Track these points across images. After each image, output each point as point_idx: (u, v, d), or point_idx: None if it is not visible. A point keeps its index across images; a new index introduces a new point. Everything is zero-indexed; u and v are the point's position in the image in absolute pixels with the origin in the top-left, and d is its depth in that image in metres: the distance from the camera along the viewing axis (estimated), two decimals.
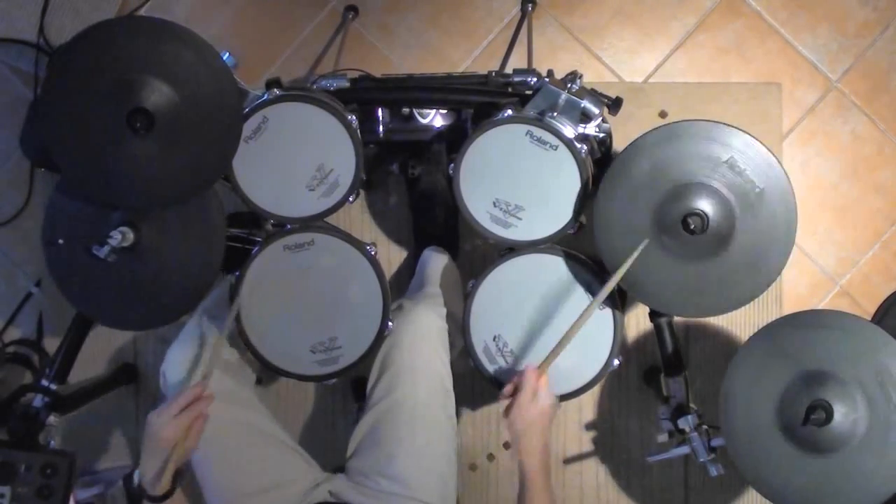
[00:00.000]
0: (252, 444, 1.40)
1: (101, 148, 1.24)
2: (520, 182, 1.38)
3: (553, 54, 1.95)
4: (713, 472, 1.40)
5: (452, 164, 1.39)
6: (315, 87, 1.51)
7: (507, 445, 1.93)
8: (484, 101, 1.52)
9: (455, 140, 1.63)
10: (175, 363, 1.41)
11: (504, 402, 1.26)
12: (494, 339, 1.43)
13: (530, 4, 1.91)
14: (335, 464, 1.49)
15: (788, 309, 1.90)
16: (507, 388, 1.27)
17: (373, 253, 1.41)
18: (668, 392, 1.47)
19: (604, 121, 1.43)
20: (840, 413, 1.25)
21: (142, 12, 1.98)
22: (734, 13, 1.93)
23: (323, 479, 1.42)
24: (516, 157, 1.37)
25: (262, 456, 1.40)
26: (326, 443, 1.87)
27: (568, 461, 1.92)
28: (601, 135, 1.42)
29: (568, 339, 1.26)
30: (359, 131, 1.38)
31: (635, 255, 1.27)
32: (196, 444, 1.21)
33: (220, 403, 1.32)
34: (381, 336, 1.42)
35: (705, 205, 1.28)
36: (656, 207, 1.31)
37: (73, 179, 1.31)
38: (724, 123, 1.30)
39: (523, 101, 1.43)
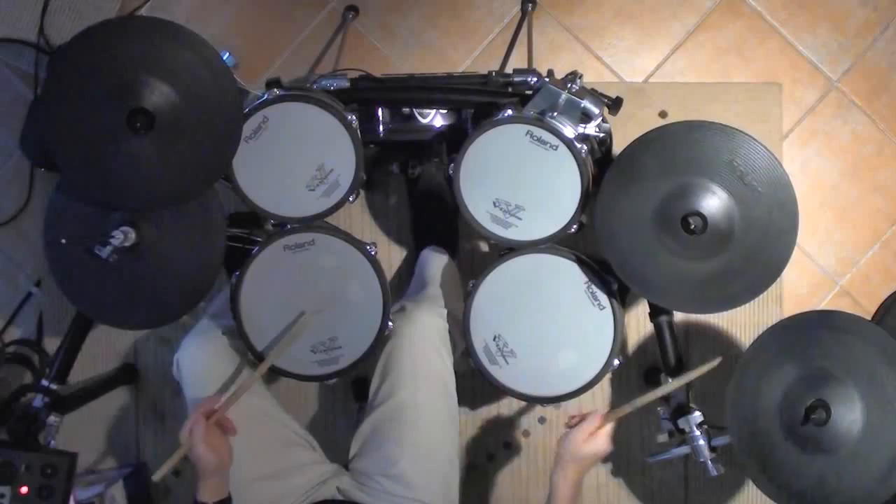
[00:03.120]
0: (259, 429, 1.41)
1: (101, 148, 1.24)
2: (520, 182, 1.38)
3: (553, 54, 1.95)
4: (713, 471, 1.40)
5: (452, 164, 1.39)
6: (315, 87, 1.51)
7: (507, 445, 1.93)
8: (484, 101, 1.52)
9: (455, 140, 1.63)
10: (190, 352, 1.41)
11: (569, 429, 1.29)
12: (495, 339, 1.43)
13: (530, 4, 1.91)
14: (336, 463, 1.49)
15: (788, 309, 1.90)
16: (573, 419, 1.30)
17: (373, 253, 1.41)
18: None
19: (604, 121, 1.43)
20: (840, 413, 1.25)
21: (142, 12, 1.98)
22: (734, 13, 1.93)
23: (330, 474, 1.42)
24: (516, 157, 1.37)
25: (270, 442, 1.41)
26: (327, 443, 1.86)
27: None
28: (601, 135, 1.42)
29: (644, 401, 1.28)
30: (359, 131, 1.38)
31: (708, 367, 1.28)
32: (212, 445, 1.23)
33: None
34: (381, 336, 1.42)
35: (705, 205, 1.29)
36: (657, 207, 1.31)
37: (73, 179, 1.31)
38: (724, 124, 1.30)
39: (523, 101, 1.43)
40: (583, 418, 1.28)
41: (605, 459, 1.91)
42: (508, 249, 1.43)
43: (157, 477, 1.22)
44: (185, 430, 1.23)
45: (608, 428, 1.27)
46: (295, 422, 1.48)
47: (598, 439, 1.25)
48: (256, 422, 1.41)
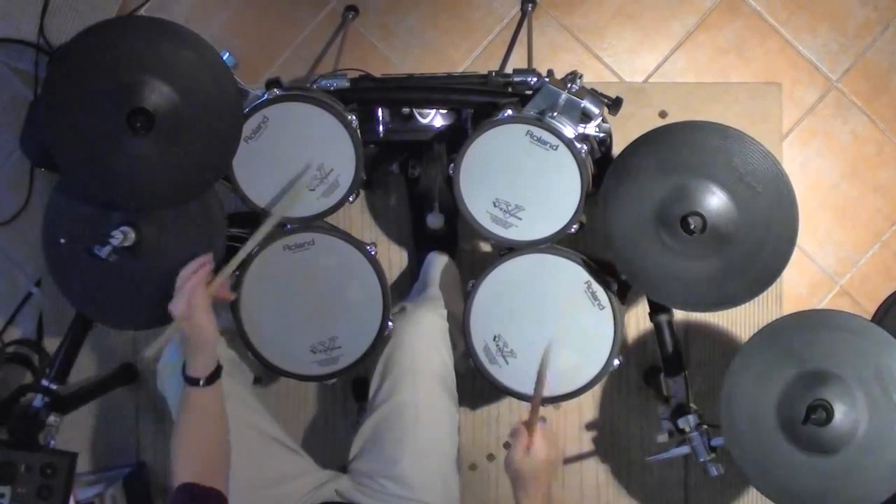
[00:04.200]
0: (250, 440, 1.39)
1: (101, 148, 1.24)
2: (520, 182, 1.38)
3: (553, 54, 1.95)
4: (713, 471, 1.40)
5: (452, 164, 1.39)
6: (315, 87, 1.51)
7: (506, 445, 1.92)
8: (484, 101, 1.52)
9: (455, 140, 1.63)
10: (172, 361, 1.40)
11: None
12: (494, 339, 1.43)
13: (530, 4, 1.91)
14: (335, 464, 1.49)
15: (788, 309, 1.90)
16: (506, 444, 1.22)
17: (373, 253, 1.41)
18: (668, 392, 1.48)
19: (604, 121, 1.43)
20: (840, 413, 1.25)
21: (142, 12, 1.98)
22: (734, 13, 1.93)
23: (328, 478, 1.42)
24: (516, 157, 1.37)
25: (261, 452, 1.40)
26: (326, 443, 1.87)
27: (568, 461, 1.92)
28: (601, 135, 1.43)
29: (539, 393, 1.18)
30: (359, 131, 1.38)
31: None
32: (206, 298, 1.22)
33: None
34: (381, 336, 1.42)
35: (705, 205, 1.29)
36: (657, 207, 1.31)
37: (73, 179, 1.31)
38: (724, 125, 1.30)
39: (523, 101, 1.43)
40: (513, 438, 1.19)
41: (605, 459, 1.91)
42: (508, 249, 1.43)
43: (149, 353, 1.21)
44: (179, 302, 1.21)
45: (537, 435, 1.17)
46: (284, 432, 1.46)
47: (534, 449, 1.15)
48: (247, 432, 1.39)
